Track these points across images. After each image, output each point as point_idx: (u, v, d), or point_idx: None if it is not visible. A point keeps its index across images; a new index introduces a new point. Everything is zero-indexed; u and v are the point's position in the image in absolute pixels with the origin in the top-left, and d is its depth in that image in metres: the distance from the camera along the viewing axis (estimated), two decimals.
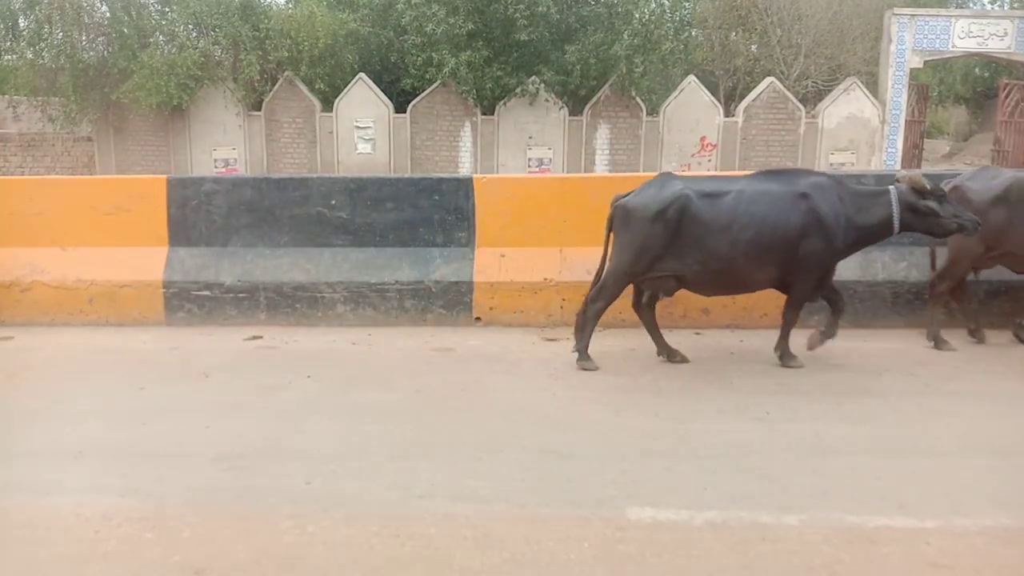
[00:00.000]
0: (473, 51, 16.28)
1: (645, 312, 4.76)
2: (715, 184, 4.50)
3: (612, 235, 4.57)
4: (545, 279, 5.48)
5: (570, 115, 17.29)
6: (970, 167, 22.25)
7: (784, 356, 4.54)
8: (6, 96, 19.59)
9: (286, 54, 16.72)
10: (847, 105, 17.28)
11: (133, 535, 2.66)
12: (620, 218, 4.50)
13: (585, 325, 4.57)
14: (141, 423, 3.68)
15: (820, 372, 4.41)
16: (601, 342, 5.08)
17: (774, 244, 4.33)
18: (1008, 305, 5.30)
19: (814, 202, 4.34)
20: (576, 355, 4.56)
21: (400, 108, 17.50)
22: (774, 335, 4.59)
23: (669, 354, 4.66)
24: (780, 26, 18.82)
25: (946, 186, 4.72)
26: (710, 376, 4.35)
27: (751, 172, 4.73)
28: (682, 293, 5.39)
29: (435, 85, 16.89)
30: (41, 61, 16.68)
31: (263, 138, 17.41)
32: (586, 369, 4.48)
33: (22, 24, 16.68)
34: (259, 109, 17.37)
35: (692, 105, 17.20)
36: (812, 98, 18.72)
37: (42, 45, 16.17)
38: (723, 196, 4.37)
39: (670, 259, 4.42)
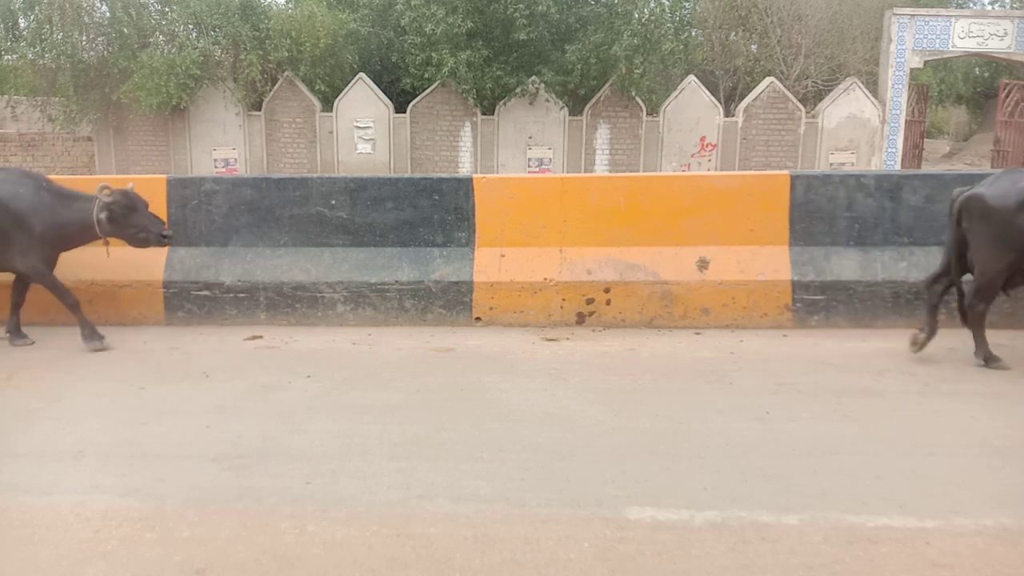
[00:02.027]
0: (473, 51, 16.28)
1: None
2: None
3: (960, 229, 4.49)
4: (545, 279, 5.48)
5: (570, 115, 17.30)
6: (970, 167, 22.26)
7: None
8: (5, 96, 19.59)
9: (286, 54, 16.72)
10: (847, 105, 17.28)
11: (133, 535, 2.66)
12: (977, 212, 4.41)
13: (976, 330, 4.53)
14: (141, 423, 3.68)
15: (820, 372, 4.41)
16: (601, 342, 5.09)
17: None
18: (1008, 305, 5.30)
19: None
20: (984, 362, 4.47)
21: (400, 108, 17.51)
22: (774, 335, 4.59)
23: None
24: (780, 26, 18.81)
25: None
26: (710, 376, 4.35)
27: None
28: (682, 293, 5.40)
29: (435, 85, 16.89)
30: (41, 61, 16.68)
31: (263, 138, 17.41)
32: (1001, 368, 4.41)
33: (22, 24, 16.68)
34: (259, 109, 17.37)
35: (692, 105, 17.20)
36: (812, 98, 18.72)
37: (42, 45, 16.17)
38: None
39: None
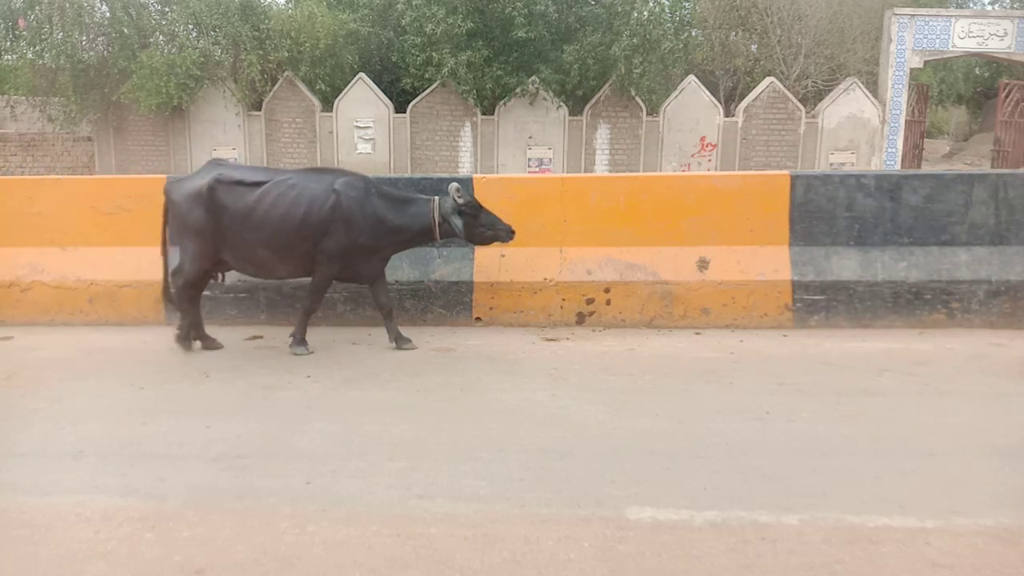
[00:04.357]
0: (473, 51, 16.29)
1: None
2: None
3: None
4: (545, 279, 5.48)
5: (570, 115, 17.30)
6: (970, 167, 22.27)
7: None
8: (5, 96, 19.59)
9: (286, 54, 16.72)
10: (847, 105, 17.29)
11: (133, 535, 2.66)
12: None
13: None
14: (141, 423, 3.68)
15: (820, 372, 4.41)
16: (601, 342, 5.09)
17: None
18: (1008, 304, 5.30)
19: None
20: None
21: (400, 108, 17.51)
22: (774, 335, 4.60)
23: None
24: (780, 26, 18.82)
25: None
26: (710, 376, 4.35)
27: None
28: (682, 293, 5.40)
29: (435, 85, 16.90)
30: (41, 61, 16.68)
31: (263, 138, 17.41)
32: None
33: (22, 24, 16.68)
34: (259, 109, 17.38)
35: (692, 105, 17.21)
36: (812, 98, 18.72)
37: (42, 45, 16.18)
38: None
39: None
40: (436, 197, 4.91)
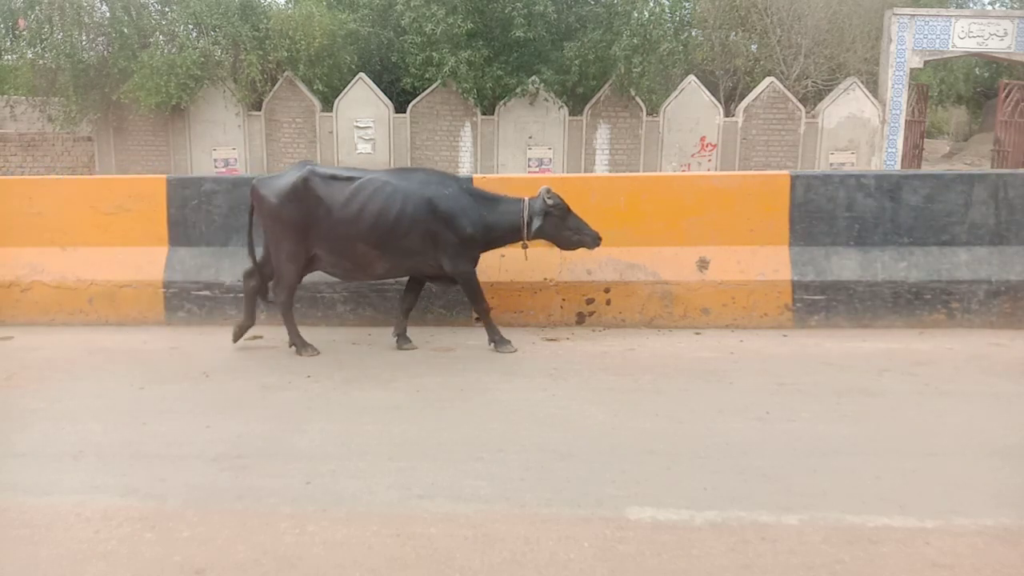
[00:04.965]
0: (473, 51, 16.29)
1: None
2: None
3: None
4: (545, 279, 5.48)
5: (570, 115, 17.30)
6: (970, 167, 22.28)
7: None
8: (5, 96, 19.59)
9: (286, 54, 16.72)
10: (847, 105, 17.28)
11: (133, 535, 2.66)
12: None
13: None
14: (141, 423, 3.68)
15: (820, 372, 4.41)
16: (601, 342, 5.09)
17: None
18: (1008, 304, 5.30)
19: None
20: None
21: (400, 108, 17.51)
22: (774, 335, 4.60)
23: None
24: (780, 26, 18.81)
25: None
26: (710, 376, 4.35)
27: None
28: (682, 293, 5.40)
29: (435, 85, 16.90)
30: (41, 61, 16.68)
31: (263, 138, 17.41)
32: None
33: (22, 24, 16.68)
34: (259, 109, 17.37)
35: (692, 105, 17.20)
36: (812, 98, 18.72)
37: (42, 45, 16.17)
38: None
39: None
40: (527, 197, 4.88)
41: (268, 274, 5.00)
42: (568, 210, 4.86)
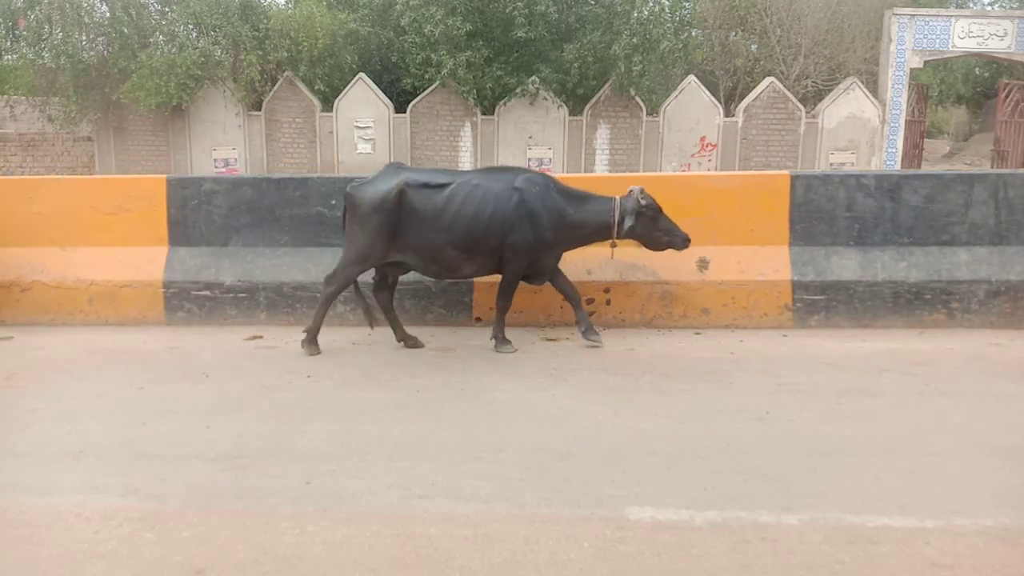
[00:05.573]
0: (473, 51, 16.29)
1: None
2: None
3: None
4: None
5: (570, 115, 17.31)
6: (970, 167, 22.28)
7: None
8: (5, 96, 19.59)
9: (286, 54, 16.72)
10: (847, 105, 17.29)
11: (133, 535, 2.66)
12: None
13: None
14: (141, 423, 3.68)
15: (820, 372, 4.41)
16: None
17: None
18: (1008, 304, 5.30)
19: None
20: None
21: (400, 108, 17.51)
22: (774, 335, 4.60)
23: None
24: (780, 26, 18.82)
25: None
26: (710, 376, 4.35)
27: None
28: (682, 293, 5.40)
29: (435, 85, 16.90)
30: (41, 61, 16.69)
31: (263, 138, 17.41)
32: None
33: (22, 24, 16.69)
34: (259, 109, 17.38)
35: (692, 105, 17.21)
36: (812, 98, 18.72)
37: (42, 45, 16.18)
38: None
39: None
40: (617, 196, 4.86)
41: (394, 282, 5.05)
42: (660, 210, 4.83)
